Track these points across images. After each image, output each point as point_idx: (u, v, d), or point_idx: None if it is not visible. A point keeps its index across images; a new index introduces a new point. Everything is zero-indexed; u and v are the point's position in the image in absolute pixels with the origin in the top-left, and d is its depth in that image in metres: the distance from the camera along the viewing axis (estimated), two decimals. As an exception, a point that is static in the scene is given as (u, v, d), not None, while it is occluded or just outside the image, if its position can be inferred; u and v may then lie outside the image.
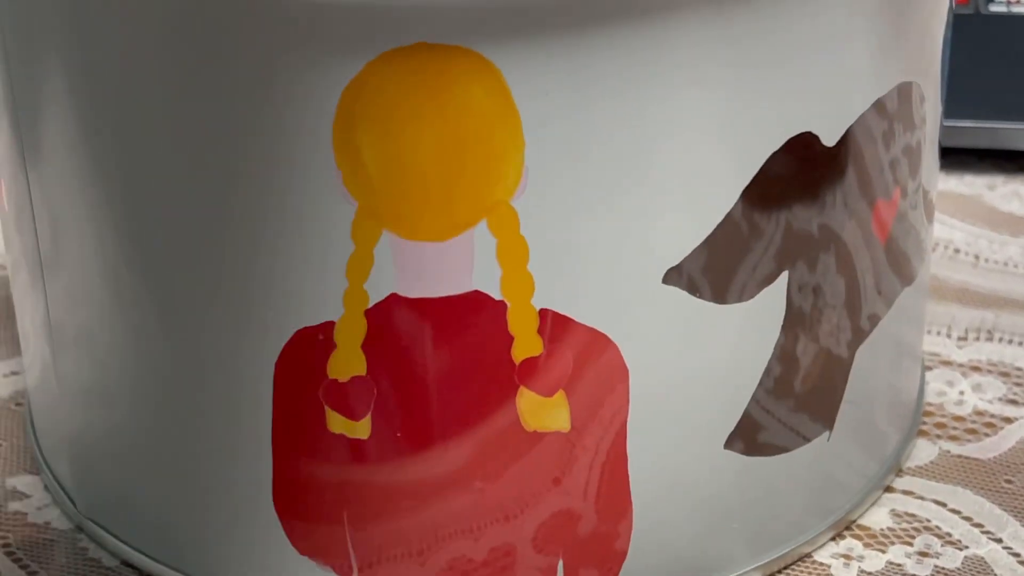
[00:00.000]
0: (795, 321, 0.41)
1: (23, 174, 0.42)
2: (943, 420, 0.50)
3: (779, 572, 0.44)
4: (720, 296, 0.40)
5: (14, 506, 0.47)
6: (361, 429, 0.40)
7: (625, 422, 0.40)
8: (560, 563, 0.42)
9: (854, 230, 0.42)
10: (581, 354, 0.39)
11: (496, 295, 0.38)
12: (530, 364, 0.39)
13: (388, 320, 0.38)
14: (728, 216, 0.39)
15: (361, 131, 0.36)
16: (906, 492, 0.47)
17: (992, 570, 0.44)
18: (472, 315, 0.38)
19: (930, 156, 0.45)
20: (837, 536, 0.45)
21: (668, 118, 0.37)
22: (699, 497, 0.42)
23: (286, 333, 0.39)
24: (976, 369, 0.52)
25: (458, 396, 0.39)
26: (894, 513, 0.46)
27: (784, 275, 0.40)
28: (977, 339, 0.54)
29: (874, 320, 0.44)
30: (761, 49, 0.37)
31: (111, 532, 0.45)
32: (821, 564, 0.45)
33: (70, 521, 0.47)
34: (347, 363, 0.39)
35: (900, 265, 0.44)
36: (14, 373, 0.53)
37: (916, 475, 0.48)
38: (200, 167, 0.38)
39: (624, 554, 0.42)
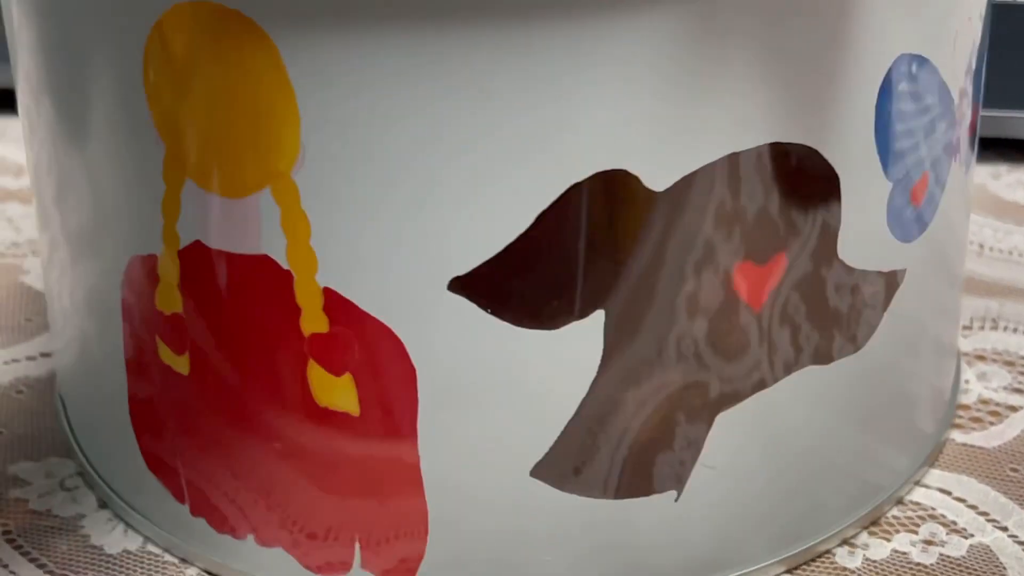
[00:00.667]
0: (616, 364, 0.39)
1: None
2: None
3: (799, 568, 0.44)
4: (519, 319, 0.38)
5: (15, 493, 0.47)
6: (182, 364, 0.41)
7: (415, 423, 0.40)
8: (357, 543, 0.42)
9: (697, 287, 0.39)
10: (366, 342, 0.39)
11: (283, 264, 0.38)
12: (317, 339, 0.39)
13: (195, 265, 0.40)
14: (523, 236, 0.37)
15: (163, 76, 0.37)
16: (914, 482, 0.47)
17: (998, 558, 0.44)
18: (263, 279, 0.39)
19: (861, 228, 0.41)
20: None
21: (459, 126, 0.36)
22: (502, 519, 0.41)
23: (123, 259, 0.41)
24: (981, 358, 0.52)
25: (254, 355, 0.40)
26: (899, 502, 0.46)
27: (599, 313, 0.39)
28: (982, 328, 0.53)
29: (751, 389, 0.41)
30: (566, 79, 0.36)
31: (145, 515, 0.45)
32: (825, 552, 0.45)
33: (88, 505, 0.46)
34: (168, 298, 0.40)
35: (801, 337, 0.41)
36: (15, 361, 0.53)
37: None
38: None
39: (421, 554, 0.41)
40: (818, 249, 0.40)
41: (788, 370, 0.41)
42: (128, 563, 0.45)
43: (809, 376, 0.41)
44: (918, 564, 0.44)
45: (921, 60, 0.40)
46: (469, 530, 0.41)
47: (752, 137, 0.37)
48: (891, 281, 0.42)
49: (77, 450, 0.48)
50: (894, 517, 0.46)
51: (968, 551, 0.44)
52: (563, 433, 0.40)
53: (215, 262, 0.39)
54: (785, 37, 0.37)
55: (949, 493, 0.46)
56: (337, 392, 0.40)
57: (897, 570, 0.44)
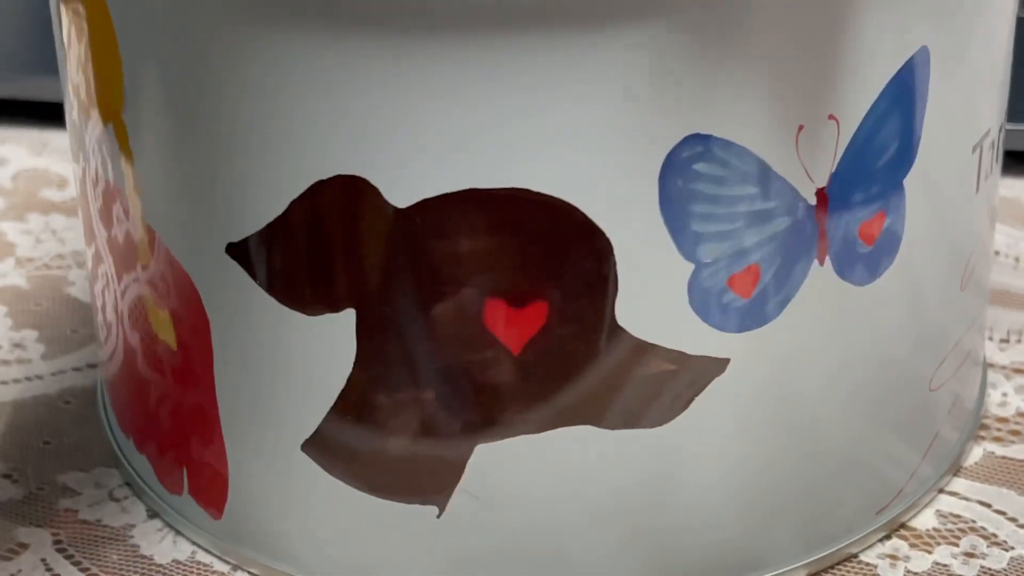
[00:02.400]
0: (370, 366, 0.40)
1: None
2: (987, 422, 0.50)
3: (826, 571, 0.45)
4: (284, 298, 0.39)
5: (65, 503, 0.48)
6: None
7: (212, 373, 0.41)
8: (184, 473, 0.44)
9: (446, 313, 0.39)
10: (176, 284, 0.41)
11: (125, 194, 0.41)
12: (145, 271, 0.42)
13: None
14: (279, 220, 0.39)
15: None
16: (951, 493, 0.47)
17: (1038, 571, 0.45)
18: (110, 204, 0.42)
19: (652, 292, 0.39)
20: (884, 537, 0.46)
21: (247, 107, 0.38)
22: (279, 484, 0.42)
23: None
24: (1019, 371, 0.52)
25: (112, 281, 0.44)
26: (939, 514, 0.47)
27: (351, 312, 0.39)
28: (1019, 341, 0.54)
29: (515, 430, 0.40)
30: (325, 79, 0.37)
31: (196, 523, 0.46)
32: (868, 564, 0.45)
33: (138, 515, 0.47)
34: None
35: (569, 394, 0.40)
36: (61, 372, 0.53)
37: (962, 476, 0.48)
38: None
39: (225, 495, 0.44)
40: (589, 308, 0.39)
41: (556, 423, 0.40)
42: (177, 573, 0.45)
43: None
44: (959, 576, 0.45)
45: (725, 143, 0.37)
46: (256, 486, 0.43)
47: (500, 178, 0.37)
48: (703, 366, 0.40)
49: (123, 460, 0.48)
50: (935, 530, 0.46)
51: (1009, 563, 0.45)
52: (325, 419, 0.41)
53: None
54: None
55: (989, 506, 0.47)
56: (162, 326, 0.42)
57: (938, 582, 0.44)
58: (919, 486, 0.46)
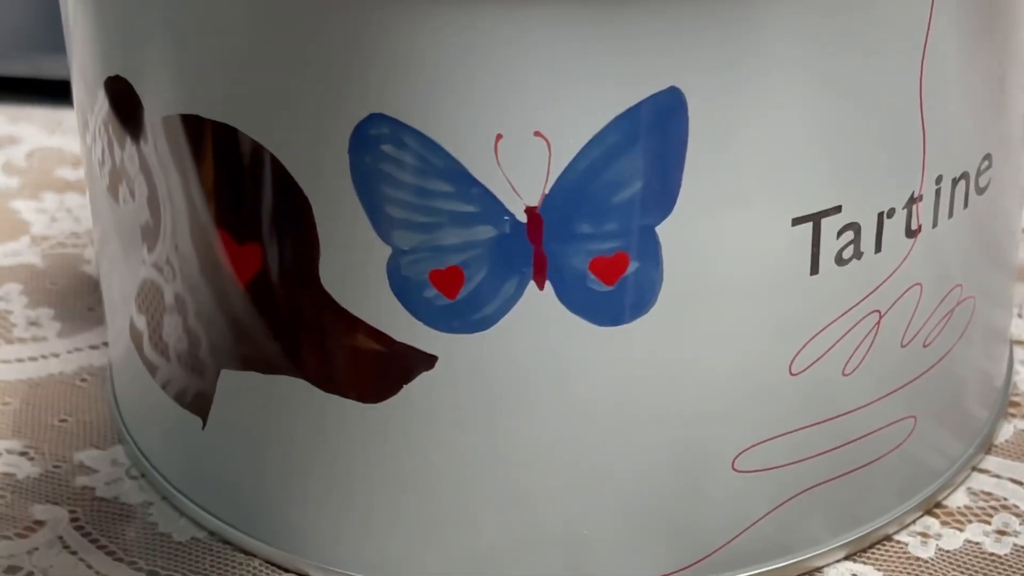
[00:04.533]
0: (133, 258, 0.43)
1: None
2: (1017, 399, 0.49)
3: (861, 552, 0.44)
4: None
5: (82, 481, 0.47)
6: None
7: None
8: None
9: (186, 228, 0.40)
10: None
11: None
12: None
13: None
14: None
15: None
16: (982, 471, 0.47)
17: (1073, 549, 0.44)
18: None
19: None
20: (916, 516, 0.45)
21: None
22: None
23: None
24: (1049, 348, 0.52)
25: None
26: (970, 492, 0.46)
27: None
28: (1049, 318, 0.53)
29: (245, 362, 0.41)
30: None
31: (198, 503, 0.45)
32: (899, 542, 0.44)
33: (156, 493, 0.46)
34: None
35: (269, 335, 0.41)
36: (77, 350, 0.53)
37: (992, 454, 0.47)
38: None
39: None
40: (295, 263, 0.39)
41: (280, 370, 0.40)
42: (197, 551, 0.44)
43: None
44: (992, 554, 0.44)
45: (415, 133, 0.37)
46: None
47: (216, 111, 0.38)
48: (409, 357, 0.39)
49: (129, 440, 0.48)
50: (966, 507, 0.45)
51: (1042, 541, 0.44)
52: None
53: None
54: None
55: (1021, 483, 0.46)
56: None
57: (971, 560, 0.44)
58: (951, 465, 0.46)
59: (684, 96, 0.36)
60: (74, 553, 0.44)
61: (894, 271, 0.40)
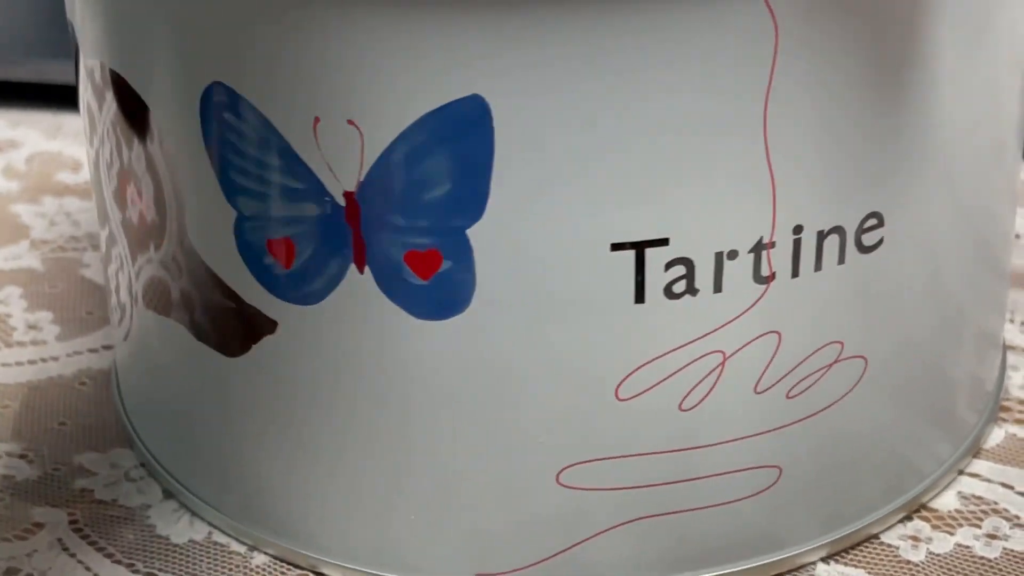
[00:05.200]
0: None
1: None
2: (1008, 404, 0.50)
3: (846, 551, 0.44)
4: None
5: (81, 483, 0.47)
6: None
7: None
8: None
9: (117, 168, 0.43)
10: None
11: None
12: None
13: None
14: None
15: None
16: (973, 475, 0.47)
17: (1062, 553, 0.44)
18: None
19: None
20: (905, 518, 0.45)
21: None
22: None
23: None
24: (1041, 354, 0.52)
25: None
26: (961, 496, 0.46)
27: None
28: (1041, 324, 0.53)
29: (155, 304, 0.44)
30: None
31: (208, 502, 0.46)
32: (889, 546, 0.45)
33: (155, 495, 0.47)
34: None
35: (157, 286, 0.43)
36: (76, 353, 0.53)
37: (983, 458, 0.48)
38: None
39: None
40: (166, 213, 0.42)
41: (171, 315, 0.43)
42: (194, 553, 0.45)
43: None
44: (982, 558, 0.44)
45: (248, 105, 0.38)
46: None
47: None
48: (254, 318, 0.41)
49: (137, 440, 0.48)
50: (956, 511, 0.46)
51: (1032, 545, 0.45)
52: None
53: None
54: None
55: (1012, 487, 0.46)
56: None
57: (961, 564, 0.44)
58: (938, 467, 0.46)
59: (488, 105, 0.36)
60: (73, 555, 0.45)
61: (740, 314, 0.40)
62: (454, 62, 0.36)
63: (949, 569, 0.44)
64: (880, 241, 0.40)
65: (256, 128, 0.38)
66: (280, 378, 0.42)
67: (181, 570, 0.44)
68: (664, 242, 0.38)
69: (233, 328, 0.42)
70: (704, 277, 0.39)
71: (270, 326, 0.41)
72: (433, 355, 0.40)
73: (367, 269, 0.39)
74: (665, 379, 0.40)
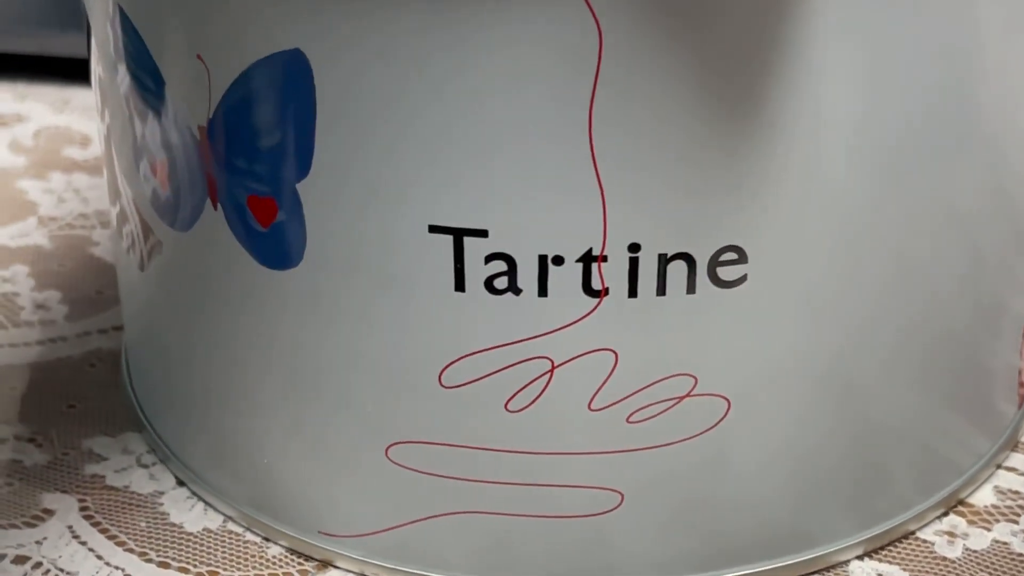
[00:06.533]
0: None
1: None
2: (1044, 396, 0.49)
3: (883, 548, 0.43)
4: None
5: (91, 469, 0.46)
6: None
7: None
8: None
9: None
10: None
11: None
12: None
13: None
14: None
15: None
16: (1009, 469, 0.46)
17: (1102, 550, 0.43)
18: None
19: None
20: (942, 514, 0.44)
21: None
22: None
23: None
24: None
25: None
26: (998, 490, 0.45)
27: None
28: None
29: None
30: None
31: (219, 489, 0.44)
32: (925, 541, 0.43)
33: (167, 482, 0.45)
34: None
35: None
36: (86, 334, 0.52)
37: (1019, 451, 0.46)
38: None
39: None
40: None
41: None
42: (209, 542, 0.44)
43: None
44: (1020, 555, 0.43)
45: (128, 23, 0.40)
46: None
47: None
48: (150, 237, 0.43)
49: (148, 426, 0.47)
50: (993, 506, 0.44)
51: (1071, 542, 0.43)
52: None
53: None
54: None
55: (1049, 482, 0.45)
56: None
57: (998, 560, 0.43)
58: (976, 461, 0.45)
59: (308, 61, 0.37)
60: (84, 543, 0.43)
61: (568, 324, 0.38)
62: (282, 15, 0.36)
63: (986, 566, 0.43)
64: (743, 278, 0.38)
65: (137, 47, 0.40)
66: (164, 292, 0.44)
67: (195, 559, 0.43)
68: (483, 233, 0.37)
69: (139, 237, 0.44)
70: (527, 278, 0.38)
71: (159, 245, 0.43)
72: (270, 304, 0.40)
73: (219, 207, 0.40)
74: (489, 375, 0.39)
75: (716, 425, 0.40)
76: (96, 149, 0.61)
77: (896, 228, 0.39)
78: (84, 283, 0.54)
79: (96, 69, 0.44)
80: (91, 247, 0.56)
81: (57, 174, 0.60)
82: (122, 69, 0.41)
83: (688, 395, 0.39)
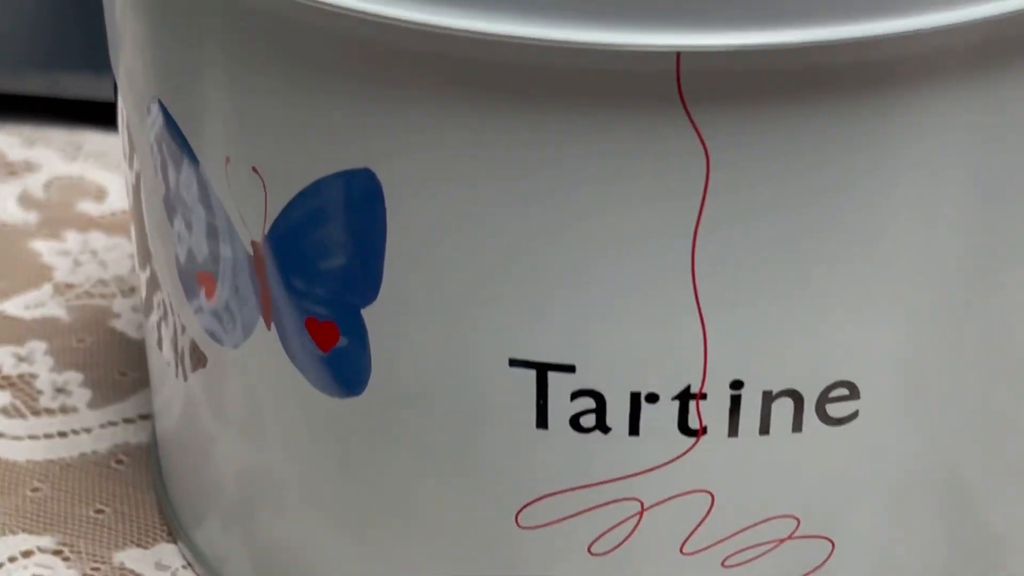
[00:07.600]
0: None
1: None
2: None
3: None
4: None
5: (124, 587, 0.43)
6: None
7: None
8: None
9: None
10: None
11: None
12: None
13: None
14: None
15: None
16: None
17: None
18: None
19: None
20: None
21: None
22: None
23: None
24: None
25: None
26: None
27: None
28: None
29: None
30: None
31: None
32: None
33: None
34: None
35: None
36: (111, 424, 0.48)
37: None
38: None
39: None
40: None
41: None
42: None
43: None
44: None
45: (175, 127, 0.37)
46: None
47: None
48: (191, 342, 0.40)
49: (183, 534, 0.44)
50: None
51: None
52: None
53: None
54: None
55: None
56: None
57: None
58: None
59: (379, 182, 0.34)
60: None
61: (661, 465, 0.36)
62: (351, 132, 0.34)
63: None
64: (854, 414, 0.35)
65: (183, 155, 0.37)
66: (212, 408, 0.41)
67: None
68: (570, 368, 0.35)
69: (185, 351, 0.41)
70: (617, 416, 0.35)
71: (202, 360, 0.40)
72: (331, 433, 0.38)
73: (273, 327, 0.37)
74: (571, 516, 0.37)
75: (818, 568, 0.37)
76: (112, 203, 0.58)
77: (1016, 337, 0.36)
78: (106, 362, 0.50)
79: (125, 107, 0.40)
80: (112, 319, 0.52)
81: (72, 233, 0.57)
82: (160, 165, 0.38)
83: (790, 537, 0.37)
